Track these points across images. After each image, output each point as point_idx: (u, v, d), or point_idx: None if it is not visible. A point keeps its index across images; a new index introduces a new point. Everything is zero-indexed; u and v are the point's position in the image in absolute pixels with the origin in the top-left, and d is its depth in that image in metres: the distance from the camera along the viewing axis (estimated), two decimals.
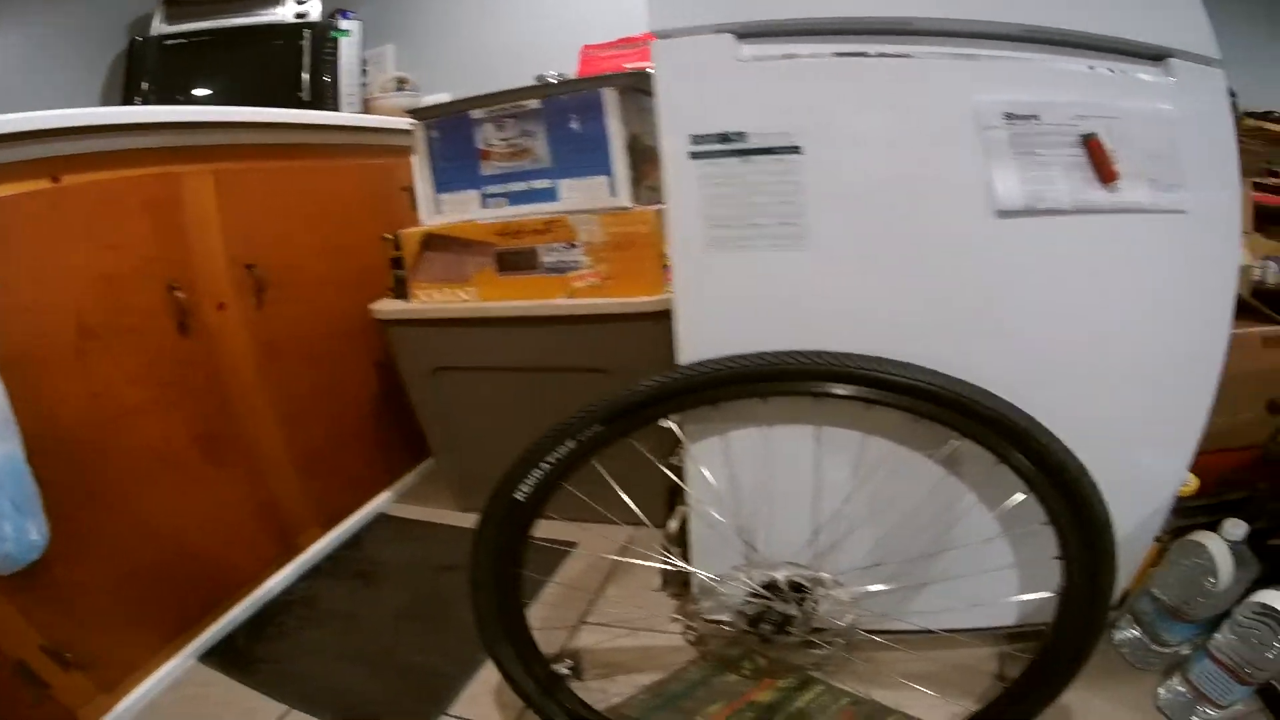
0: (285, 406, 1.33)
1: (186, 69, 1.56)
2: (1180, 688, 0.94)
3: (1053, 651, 0.82)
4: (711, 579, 0.84)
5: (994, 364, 0.76)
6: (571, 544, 1.44)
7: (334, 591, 1.40)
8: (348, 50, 1.56)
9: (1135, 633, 1.04)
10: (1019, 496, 0.79)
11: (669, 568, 0.95)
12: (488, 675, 1.12)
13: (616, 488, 0.92)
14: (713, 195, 0.73)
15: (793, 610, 0.84)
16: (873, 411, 0.78)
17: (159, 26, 1.60)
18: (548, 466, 0.81)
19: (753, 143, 0.71)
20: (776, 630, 0.84)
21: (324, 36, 1.55)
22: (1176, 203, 0.76)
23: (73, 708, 1.01)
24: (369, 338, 1.47)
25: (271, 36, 1.56)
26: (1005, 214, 0.73)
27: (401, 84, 1.69)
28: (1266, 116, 2.07)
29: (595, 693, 1.06)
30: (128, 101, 1.56)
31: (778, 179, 0.72)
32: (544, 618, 1.26)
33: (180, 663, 1.18)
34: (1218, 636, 0.89)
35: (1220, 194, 0.77)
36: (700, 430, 0.87)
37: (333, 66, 1.54)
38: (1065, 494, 0.75)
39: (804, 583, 0.84)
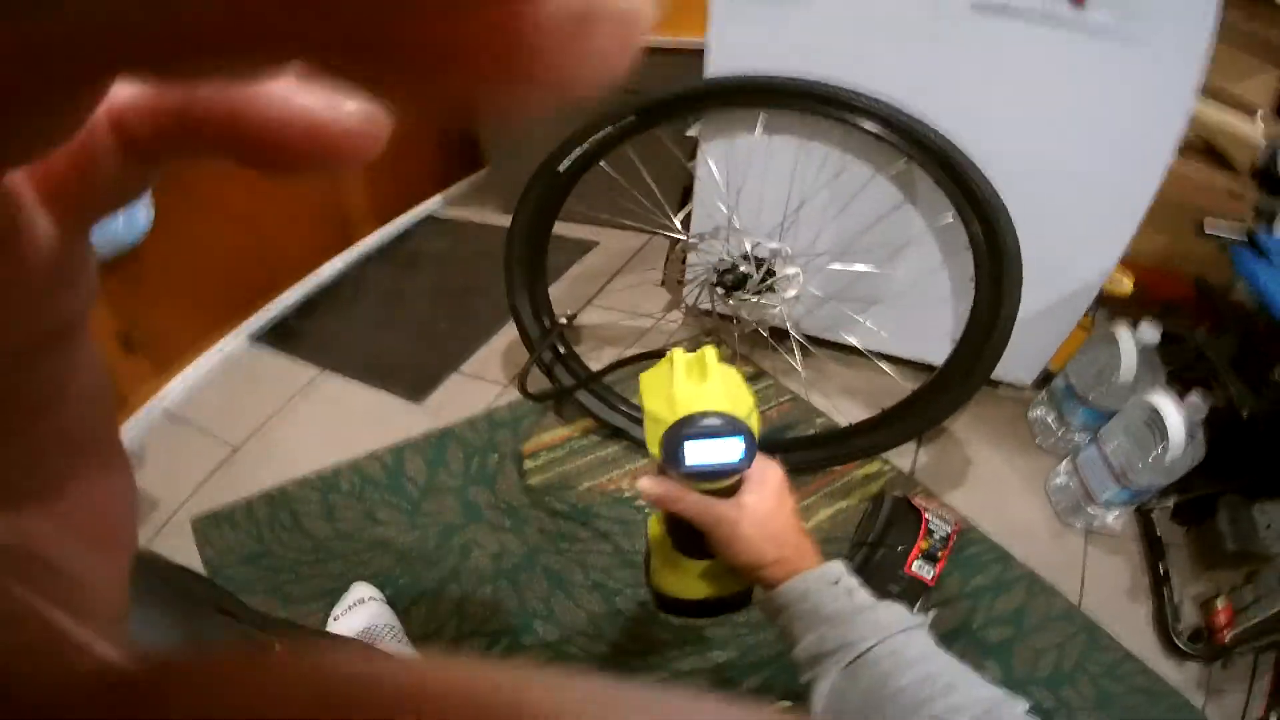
0: None
1: None
2: (1070, 479, 1.04)
3: (952, 363, 0.97)
4: (693, 238, 1.09)
5: (953, 126, 0.93)
6: (594, 242, 1.67)
7: (380, 274, 1.63)
8: None
9: (1046, 412, 1.17)
10: (948, 218, 0.98)
11: (675, 236, 1.17)
12: (499, 342, 1.36)
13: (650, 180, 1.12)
14: None
15: (750, 271, 1.06)
16: (849, 133, 0.98)
17: None
18: (587, 145, 1.01)
19: None
20: (736, 285, 1.06)
21: None
22: (1135, 33, 0.85)
23: (124, 393, 1.14)
24: None
25: None
26: (978, 7, 0.91)
27: None
28: None
29: (586, 357, 1.25)
30: None
31: None
32: (561, 292, 1.46)
33: (232, 341, 1.36)
34: (1109, 426, 1.00)
35: (1188, 34, 0.83)
36: (712, 131, 1.09)
37: None
38: (982, 220, 0.92)
39: (763, 256, 1.07)
